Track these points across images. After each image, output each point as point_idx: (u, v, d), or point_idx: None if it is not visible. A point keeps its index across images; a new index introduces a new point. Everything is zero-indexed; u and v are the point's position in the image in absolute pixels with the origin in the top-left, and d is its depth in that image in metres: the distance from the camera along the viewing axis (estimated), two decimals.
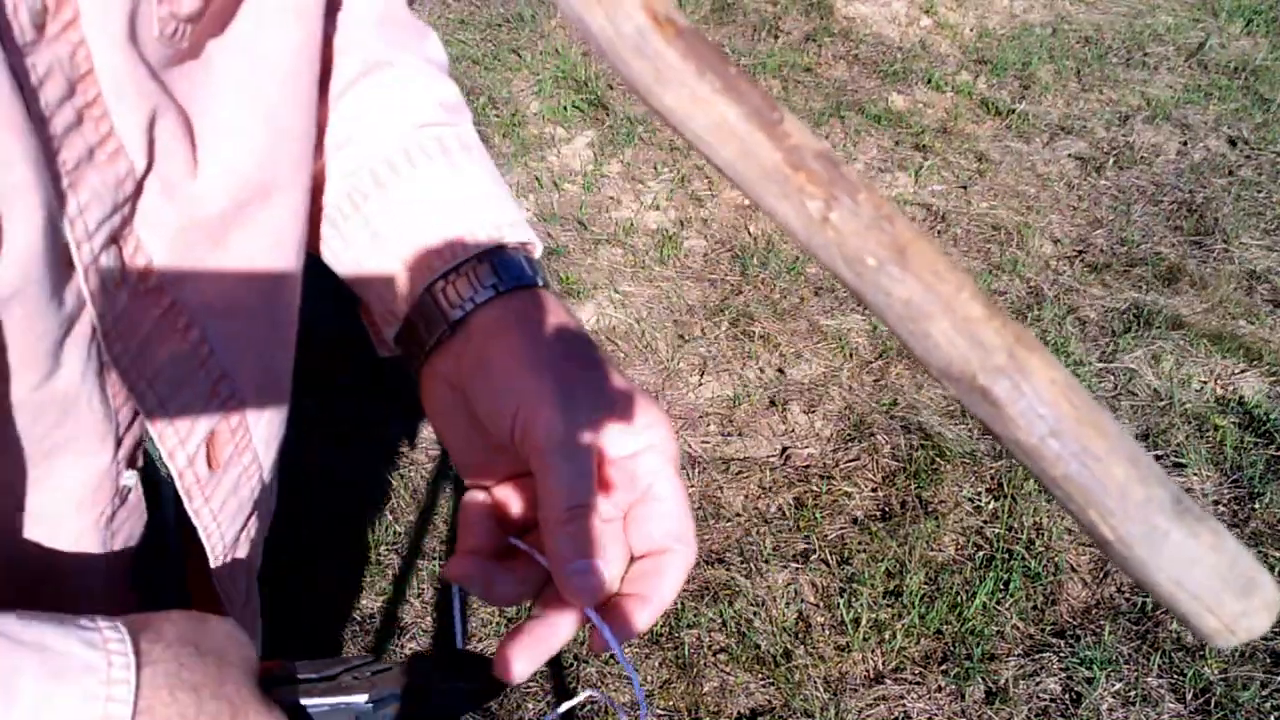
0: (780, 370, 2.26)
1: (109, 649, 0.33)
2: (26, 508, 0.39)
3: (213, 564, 0.49)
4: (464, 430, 0.46)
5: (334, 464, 1.98)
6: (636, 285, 2.47)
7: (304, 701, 0.39)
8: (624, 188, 2.79)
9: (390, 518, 1.91)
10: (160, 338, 0.40)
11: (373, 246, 0.49)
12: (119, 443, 0.41)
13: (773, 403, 2.18)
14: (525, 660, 0.43)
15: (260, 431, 0.49)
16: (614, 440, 0.43)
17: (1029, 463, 0.25)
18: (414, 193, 0.49)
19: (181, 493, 0.44)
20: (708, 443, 2.09)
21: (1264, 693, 1.66)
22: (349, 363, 2.19)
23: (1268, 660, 1.71)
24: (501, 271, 0.47)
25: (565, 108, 3.05)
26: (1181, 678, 1.68)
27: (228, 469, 0.47)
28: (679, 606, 1.77)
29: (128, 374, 0.39)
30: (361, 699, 0.40)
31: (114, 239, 0.37)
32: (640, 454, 0.43)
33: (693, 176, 2.83)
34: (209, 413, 0.44)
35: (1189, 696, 1.66)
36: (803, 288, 2.48)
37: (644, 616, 0.44)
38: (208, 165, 0.40)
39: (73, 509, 0.41)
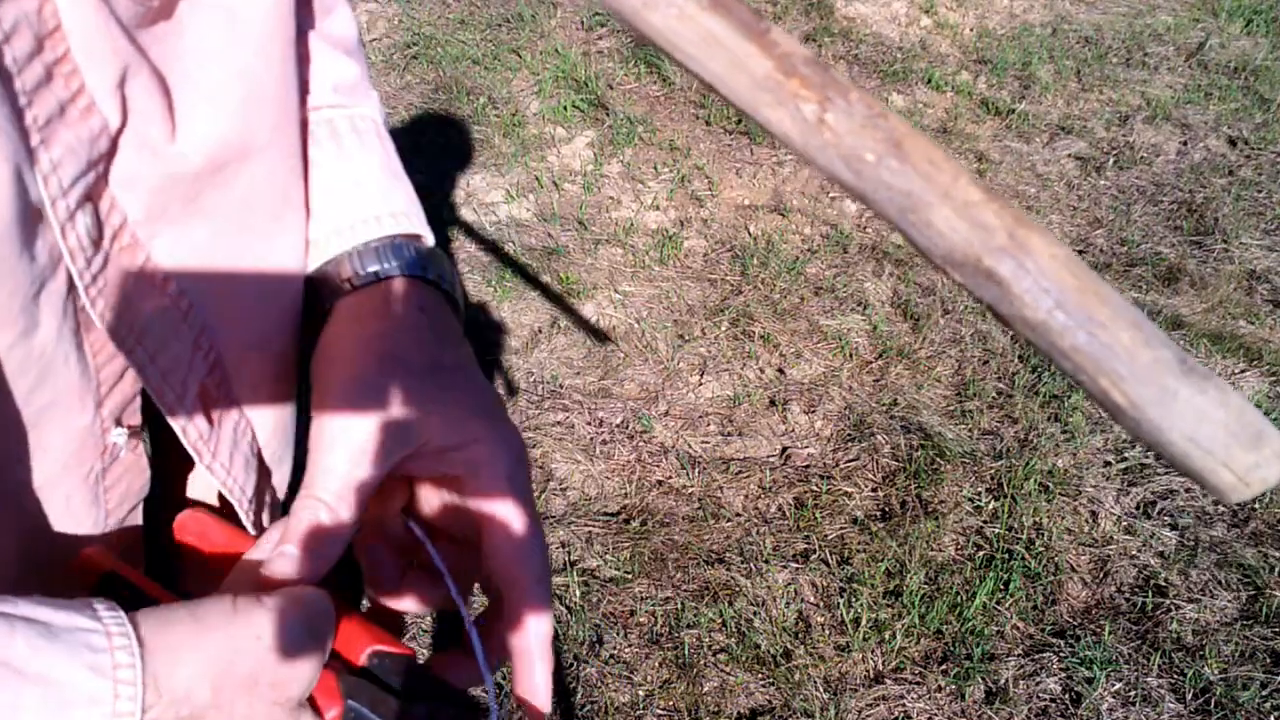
0: (780, 370, 2.26)
1: (117, 675, 0.32)
2: (21, 473, 0.39)
3: (248, 525, 0.50)
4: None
5: None
6: (636, 285, 2.47)
7: (357, 708, 0.38)
8: (624, 188, 2.79)
9: None
10: (141, 294, 0.41)
11: None
12: (101, 402, 0.41)
13: (773, 403, 2.18)
14: None
15: (243, 389, 0.49)
16: (418, 454, 0.44)
17: (1038, 338, 0.25)
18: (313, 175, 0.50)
19: (190, 451, 0.45)
20: (708, 443, 2.09)
21: (1264, 693, 1.66)
22: None
23: (1268, 660, 1.71)
24: (371, 260, 0.48)
25: (565, 108, 3.05)
26: (1181, 678, 1.68)
27: (222, 424, 0.47)
28: (679, 606, 1.77)
29: (115, 331, 0.39)
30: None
31: (89, 196, 0.37)
32: (466, 478, 0.44)
33: (693, 176, 2.83)
34: (196, 367, 0.45)
35: (1189, 696, 1.66)
36: (803, 288, 2.48)
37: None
38: (185, 125, 0.41)
39: (59, 469, 0.41)
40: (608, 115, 3.04)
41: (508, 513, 0.43)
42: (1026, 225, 0.25)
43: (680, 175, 2.83)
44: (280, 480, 0.56)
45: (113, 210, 0.39)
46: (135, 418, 0.44)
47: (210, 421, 0.46)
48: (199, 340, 0.45)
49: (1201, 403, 0.25)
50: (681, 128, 3.03)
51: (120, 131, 0.38)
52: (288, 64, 0.46)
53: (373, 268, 0.48)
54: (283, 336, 0.52)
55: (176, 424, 0.44)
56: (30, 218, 0.35)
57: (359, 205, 0.49)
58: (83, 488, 0.42)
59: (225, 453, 0.47)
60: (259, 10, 0.43)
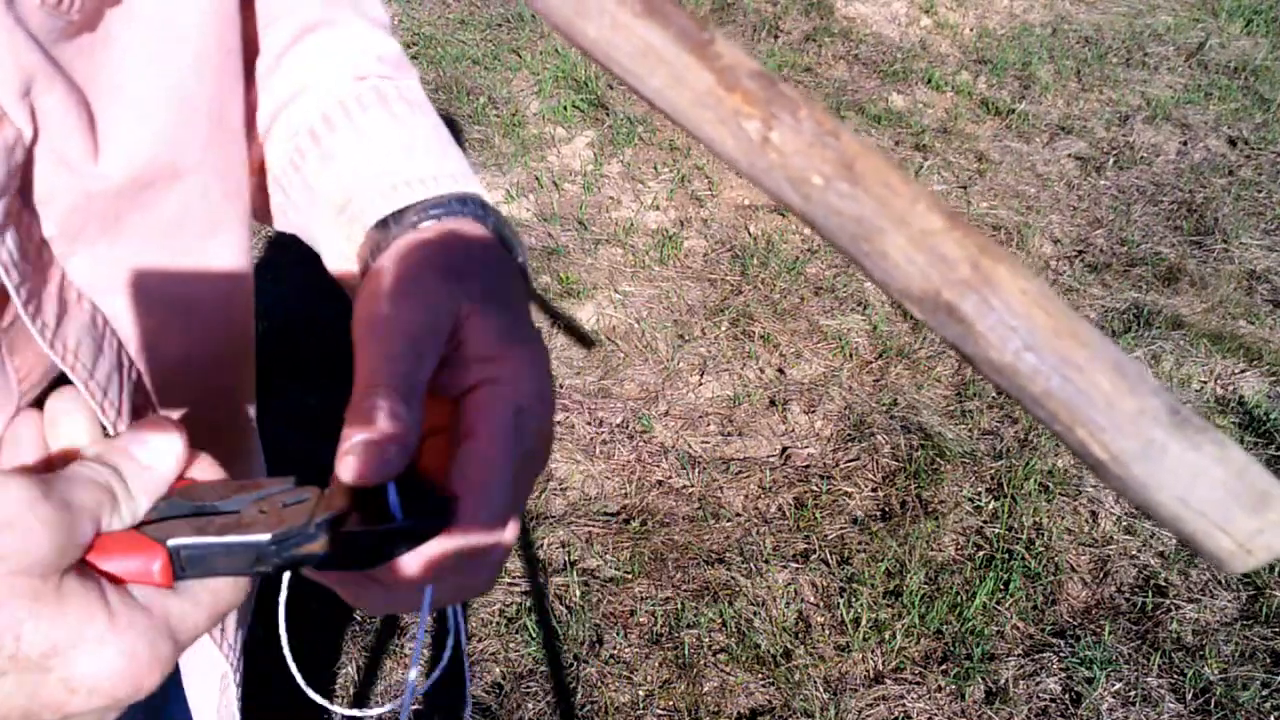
0: (780, 370, 2.26)
1: None
2: None
3: None
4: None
5: (334, 463, 1.98)
6: (636, 285, 2.47)
7: (181, 542, 0.34)
8: (624, 188, 2.79)
9: None
10: (70, 312, 0.40)
11: (315, 205, 0.48)
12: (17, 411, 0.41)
13: (773, 403, 2.18)
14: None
15: (173, 410, 0.48)
16: (460, 358, 0.40)
17: (1006, 383, 0.23)
18: (353, 144, 0.48)
19: None
20: (708, 443, 2.09)
21: (1264, 693, 1.66)
22: (349, 361, 2.19)
23: (1268, 660, 1.71)
24: (431, 208, 0.45)
25: (565, 108, 3.05)
26: (1181, 678, 1.68)
27: None
28: (679, 606, 1.77)
29: (55, 347, 0.39)
30: (264, 538, 0.34)
31: (14, 210, 0.37)
32: (479, 387, 0.39)
33: (693, 176, 2.83)
34: (126, 386, 0.44)
35: (1189, 696, 1.66)
36: (803, 288, 2.48)
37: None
38: (109, 143, 0.40)
39: None
40: (608, 115, 3.04)
41: (494, 434, 0.38)
42: (993, 255, 0.22)
43: (680, 175, 2.83)
44: None
45: (34, 225, 0.38)
46: None
47: None
48: (120, 359, 0.44)
49: (1195, 459, 0.22)
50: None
51: (34, 143, 0.37)
52: (225, 81, 0.45)
53: (434, 213, 0.45)
54: (223, 362, 0.50)
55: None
56: None
57: (414, 167, 0.47)
58: None
59: None
60: (194, 23, 0.42)
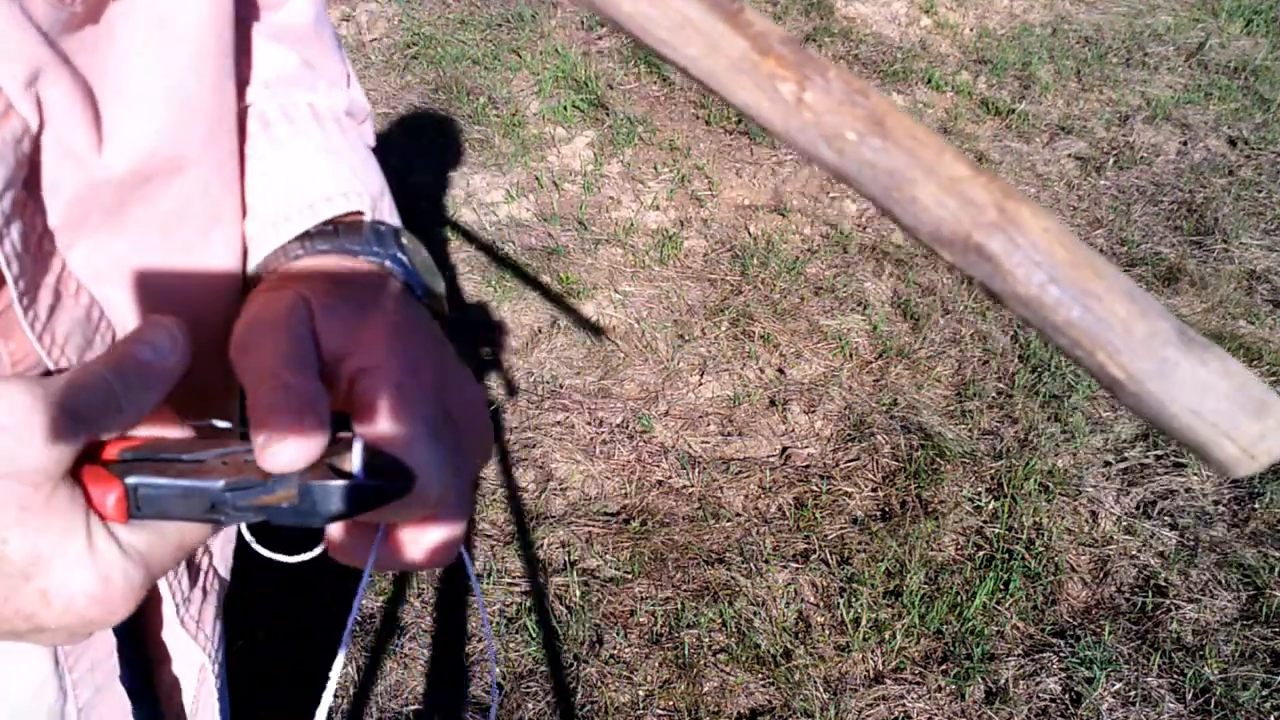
0: (780, 370, 2.26)
1: None
2: None
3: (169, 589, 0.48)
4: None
5: None
6: (636, 285, 2.47)
7: (139, 480, 0.34)
8: (624, 188, 2.79)
9: None
10: (60, 302, 0.40)
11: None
12: None
13: (773, 403, 2.18)
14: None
15: (171, 408, 0.48)
16: (334, 352, 0.40)
17: (1031, 314, 0.25)
18: (287, 154, 0.48)
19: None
20: (708, 443, 2.09)
21: (1264, 693, 1.66)
22: None
23: (1268, 660, 1.71)
24: (304, 240, 0.46)
25: (565, 108, 3.05)
26: (1181, 678, 1.68)
27: None
28: (679, 606, 1.77)
29: (43, 340, 0.39)
30: (218, 484, 0.34)
31: (20, 202, 0.37)
32: (355, 380, 0.39)
33: (693, 176, 2.83)
34: None
35: (1189, 696, 1.66)
36: (803, 288, 2.48)
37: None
38: (112, 135, 0.40)
39: None
40: (608, 115, 3.04)
41: (390, 413, 0.38)
42: (1016, 199, 0.24)
43: (680, 175, 2.83)
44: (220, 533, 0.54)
45: (37, 215, 0.38)
46: None
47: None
48: None
49: (1203, 374, 0.24)
50: (681, 128, 3.03)
51: (40, 133, 0.37)
52: (223, 76, 0.45)
53: (297, 251, 0.46)
54: (216, 356, 0.51)
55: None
56: None
57: (293, 194, 0.47)
58: None
59: None
60: (193, 21, 0.42)
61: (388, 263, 0.46)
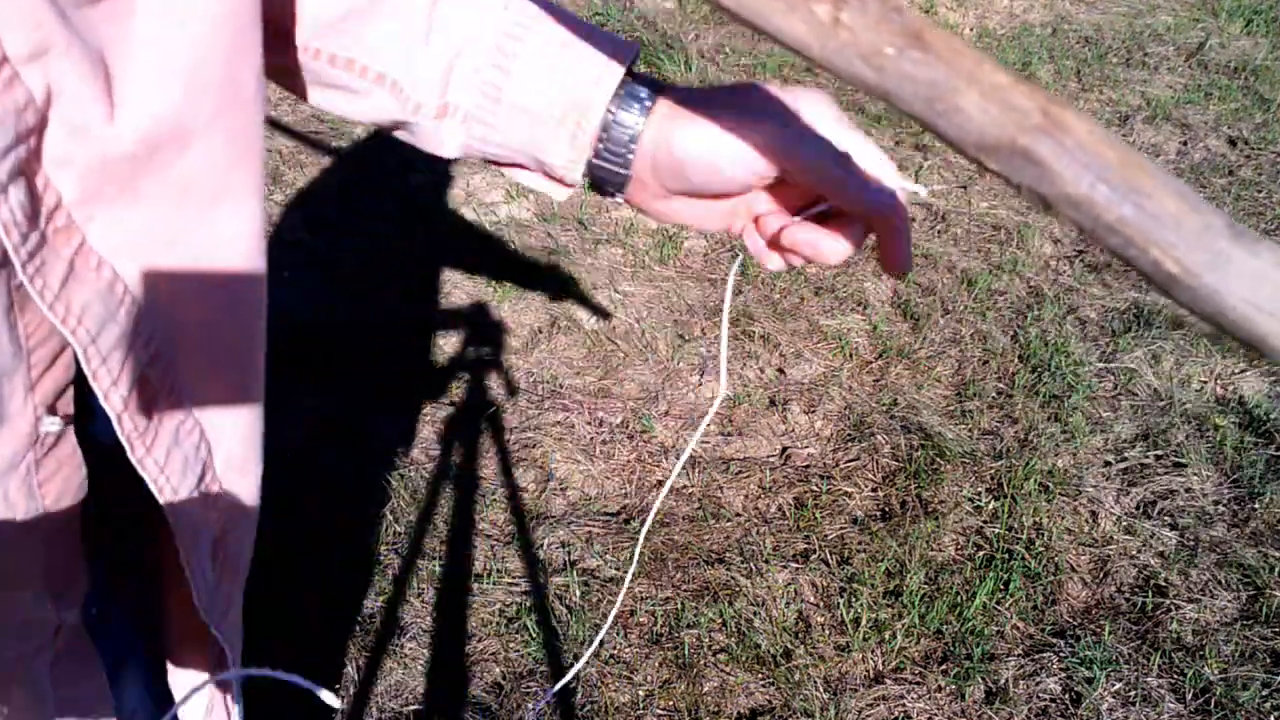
0: (780, 370, 2.26)
1: None
2: None
3: (175, 531, 0.48)
4: (701, 207, 0.53)
5: (334, 464, 1.98)
6: (636, 285, 2.47)
7: None
8: None
9: (390, 518, 1.91)
10: (78, 277, 0.40)
11: (529, 119, 0.52)
12: (33, 386, 0.41)
13: (773, 403, 2.18)
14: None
15: (192, 386, 0.48)
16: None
17: (1082, 216, 0.25)
18: (533, 63, 0.52)
19: (123, 441, 0.44)
20: (708, 443, 2.09)
21: (1264, 693, 1.66)
22: (349, 362, 2.19)
23: (1268, 660, 1.71)
24: (643, 85, 0.51)
25: None
26: (1181, 678, 1.68)
27: (164, 420, 0.46)
28: (679, 606, 1.77)
29: (55, 309, 0.39)
30: None
31: (22, 171, 0.37)
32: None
33: None
34: (135, 354, 0.44)
35: (1189, 696, 1.66)
36: (803, 288, 2.48)
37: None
38: (123, 106, 0.40)
39: None
40: None
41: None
42: (1059, 104, 0.25)
43: None
44: (240, 493, 0.54)
45: (48, 189, 0.39)
46: (69, 408, 0.43)
47: (148, 414, 0.45)
48: (137, 328, 0.44)
49: (1257, 265, 0.24)
50: None
51: (48, 107, 0.37)
52: (240, 49, 0.45)
53: (653, 85, 0.52)
54: (235, 333, 0.51)
55: (112, 412, 0.43)
56: None
57: (597, 57, 0.52)
58: (15, 478, 0.42)
59: (162, 449, 0.46)
60: None
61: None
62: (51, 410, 0.42)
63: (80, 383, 0.44)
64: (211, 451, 0.51)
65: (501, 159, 0.56)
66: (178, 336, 0.47)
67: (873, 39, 0.24)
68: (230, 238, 0.49)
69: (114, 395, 0.43)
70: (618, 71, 0.51)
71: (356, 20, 0.52)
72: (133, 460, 0.45)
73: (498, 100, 0.52)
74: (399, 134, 0.59)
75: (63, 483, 0.44)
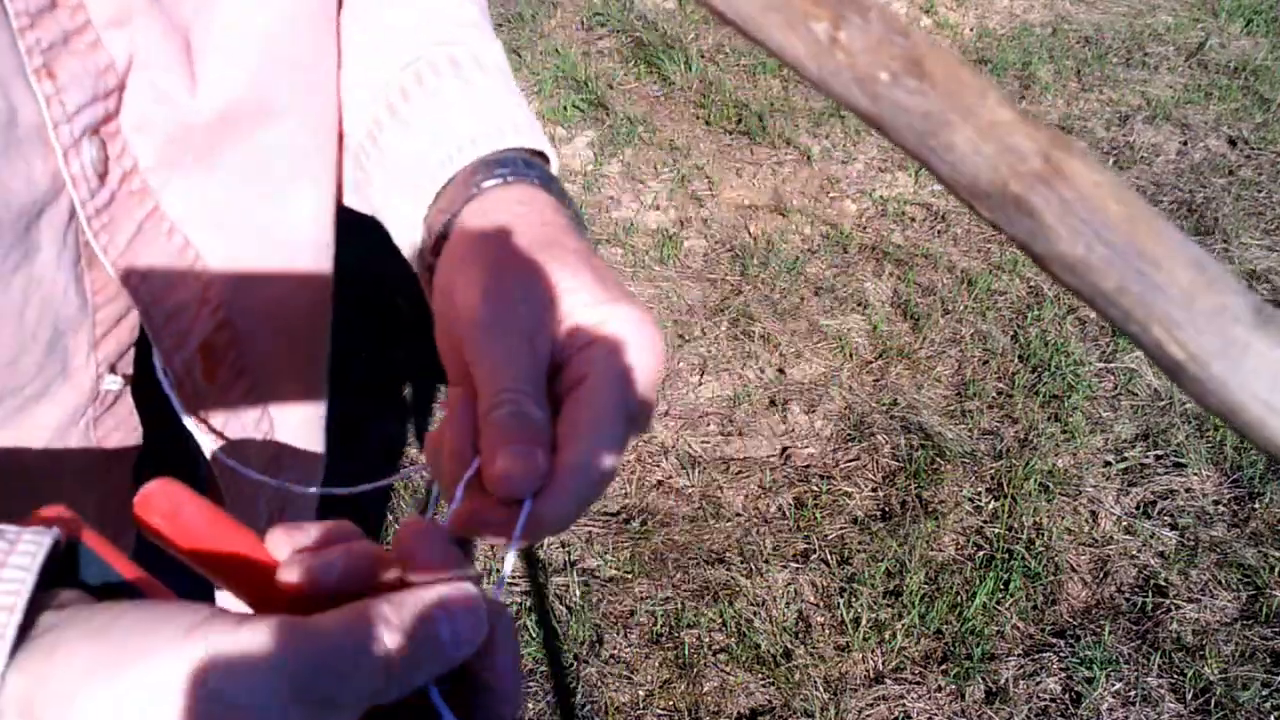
0: (780, 370, 2.26)
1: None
2: (28, 415, 0.39)
3: (226, 500, 0.48)
4: (446, 348, 0.41)
5: (334, 463, 1.98)
6: (636, 285, 2.47)
7: None
8: (624, 188, 2.79)
9: (390, 518, 1.91)
10: (148, 239, 0.41)
11: (387, 179, 0.48)
12: (96, 343, 0.41)
13: (773, 403, 2.18)
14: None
15: (256, 358, 0.48)
16: (566, 329, 0.38)
17: (1078, 280, 0.22)
18: (422, 114, 0.48)
19: (176, 404, 0.44)
20: (708, 443, 2.09)
21: (1264, 693, 1.66)
22: (348, 361, 2.19)
23: (1268, 660, 1.71)
24: (496, 168, 0.44)
25: (565, 108, 3.05)
26: (1181, 678, 1.68)
27: (226, 386, 0.46)
28: (679, 606, 1.77)
29: (119, 267, 0.40)
30: None
31: (97, 130, 0.38)
32: (591, 345, 0.37)
33: (693, 176, 2.83)
34: (201, 319, 0.44)
35: (1189, 696, 1.66)
36: (803, 288, 2.48)
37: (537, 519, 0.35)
38: (204, 78, 0.41)
39: (59, 411, 0.41)
40: (608, 115, 3.04)
41: (610, 381, 0.37)
42: (1065, 147, 0.22)
43: (680, 175, 2.83)
44: (305, 467, 0.55)
45: (124, 153, 0.39)
46: (129, 368, 0.44)
47: (210, 378, 0.45)
48: (205, 295, 0.44)
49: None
50: (681, 128, 3.03)
51: (128, 72, 0.38)
52: (318, 32, 0.46)
53: (499, 173, 0.44)
54: (302, 313, 0.51)
55: (171, 372, 0.43)
56: (32, 137, 0.35)
57: (478, 124, 0.47)
58: (75, 433, 0.42)
59: (220, 417, 0.46)
60: None
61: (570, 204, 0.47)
62: (112, 370, 0.43)
63: (143, 342, 0.44)
64: (274, 425, 0.51)
65: (385, 227, 0.51)
66: (246, 309, 0.47)
67: (868, 63, 0.22)
68: (304, 217, 0.49)
69: (175, 358, 0.43)
70: (494, 143, 0.45)
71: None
72: (188, 425, 0.45)
73: (375, 142, 0.49)
74: None
75: (120, 440, 0.45)
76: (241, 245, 0.46)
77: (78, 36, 0.36)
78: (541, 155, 0.48)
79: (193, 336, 0.44)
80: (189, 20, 0.40)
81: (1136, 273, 0.21)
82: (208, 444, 0.46)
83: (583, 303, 0.38)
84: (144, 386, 0.45)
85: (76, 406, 0.42)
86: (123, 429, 0.45)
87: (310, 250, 0.51)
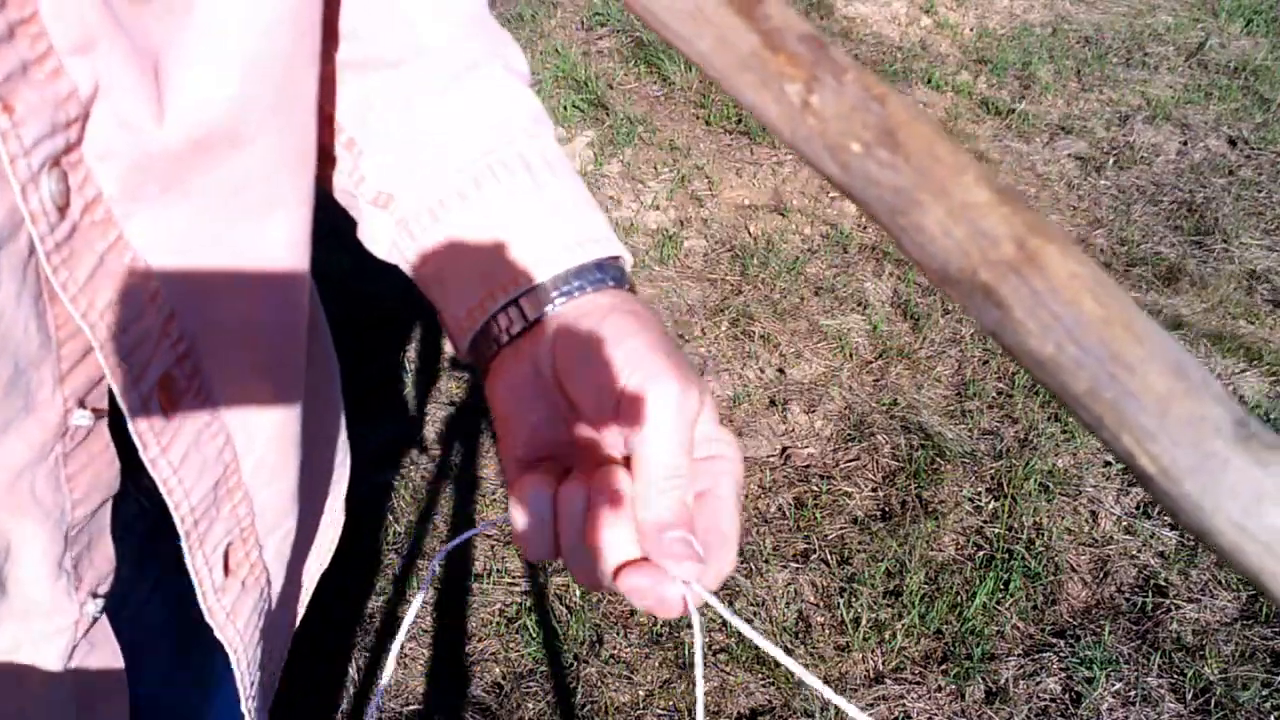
0: (780, 370, 2.26)
1: None
2: None
3: (181, 533, 0.47)
4: (542, 414, 0.45)
5: None
6: (637, 285, 2.47)
7: None
8: (624, 188, 2.79)
9: (390, 518, 1.91)
10: (108, 270, 0.40)
11: (452, 258, 0.49)
12: (62, 378, 0.41)
13: (773, 403, 2.18)
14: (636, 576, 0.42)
15: (221, 387, 0.47)
16: (700, 435, 0.42)
17: (1048, 378, 0.21)
18: (496, 208, 0.49)
19: (135, 437, 0.43)
20: None
21: (1264, 693, 1.66)
22: (347, 362, 2.19)
23: (1268, 660, 1.71)
24: (590, 273, 0.47)
25: (565, 108, 3.05)
26: (1181, 678, 1.68)
27: (185, 422, 0.46)
28: None
29: (77, 303, 0.39)
30: None
31: (58, 162, 0.37)
32: (713, 459, 0.43)
33: (693, 176, 2.83)
34: (161, 352, 0.43)
35: (1189, 696, 1.66)
36: (803, 288, 2.48)
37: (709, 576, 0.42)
38: (173, 105, 0.40)
39: (25, 449, 0.40)
40: (608, 115, 3.04)
41: (736, 495, 0.43)
42: (1043, 234, 0.20)
43: (680, 175, 2.83)
44: (271, 500, 0.54)
45: (87, 182, 0.38)
46: (101, 402, 0.43)
47: (167, 413, 0.44)
48: (167, 327, 0.43)
49: (1261, 479, 0.19)
50: (681, 128, 3.03)
51: (93, 100, 0.37)
52: (297, 57, 0.45)
53: (577, 283, 0.47)
54: (275, 338, 0.50)
55: (126, 408, 0.42)
56: None
57: (558, 233, 0.48)
58: (43, 470, 0.41)
59: (178, 450, 0.45)
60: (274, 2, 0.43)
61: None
62: (82, 404, 0.42)
63: None
64: (238, 456, 0.50)
65: (426, 293, 0.53)
66: (213, 338, 0.46)
67: (840, 130, 0.21)
68: (276, 243, 0.48)
69: (131, 393, 0.42)
70: (579, 255, 0.47)
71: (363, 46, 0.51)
72: (144, 460, 0.44)
73: (437, 220, 0.50)
74: (349, 208, 0.56)
75: (93, 477, 0.44)
76: (209, 274, 0.45)
77: (37, 66, 0.35)
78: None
79: (152, 368, 0.43)
80: (159, 45, 0.39)
81: (1109, 376, 0.20)
82: (164, 478, 0.45)
83: (708, 418, 0.43)
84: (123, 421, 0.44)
85: (43, 443, 0.41)
86: (96, 464, 0.44)
87: (283, 276, 0.50)
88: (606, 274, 0.47)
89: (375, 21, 0.51)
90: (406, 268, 0.53)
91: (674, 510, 0.39)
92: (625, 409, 0.41)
